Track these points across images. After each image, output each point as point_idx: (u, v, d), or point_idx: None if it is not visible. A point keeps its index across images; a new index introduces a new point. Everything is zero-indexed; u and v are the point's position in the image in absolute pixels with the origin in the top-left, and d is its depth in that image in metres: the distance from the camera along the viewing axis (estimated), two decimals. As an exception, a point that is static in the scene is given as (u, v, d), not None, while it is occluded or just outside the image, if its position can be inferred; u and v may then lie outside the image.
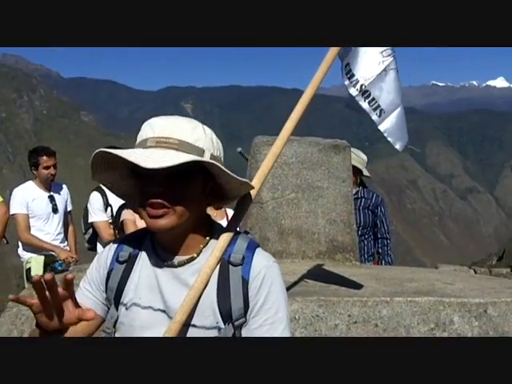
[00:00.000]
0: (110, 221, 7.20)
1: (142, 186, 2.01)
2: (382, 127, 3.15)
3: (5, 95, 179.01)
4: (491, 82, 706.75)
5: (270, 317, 2.04)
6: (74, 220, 8.02)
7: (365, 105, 3.15)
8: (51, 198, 7.50)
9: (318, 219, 5.65)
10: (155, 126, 2.05)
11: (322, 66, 2.71)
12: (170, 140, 2.00)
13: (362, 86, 3.12)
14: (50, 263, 7.34)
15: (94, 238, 7.45)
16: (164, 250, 2.15)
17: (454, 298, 4.13)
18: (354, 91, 3.13)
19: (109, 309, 2.20)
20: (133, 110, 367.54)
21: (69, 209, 7.89)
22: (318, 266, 5.27)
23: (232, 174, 2.02)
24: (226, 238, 2.11)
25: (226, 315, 2.03)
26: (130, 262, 2.19)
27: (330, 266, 5.30)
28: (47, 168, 7.39)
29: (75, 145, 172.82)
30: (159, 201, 1.98)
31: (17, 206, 7.32)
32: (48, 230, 7.49)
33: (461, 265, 16.78)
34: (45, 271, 7.23)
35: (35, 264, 7.28)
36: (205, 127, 2.10)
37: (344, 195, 5.77)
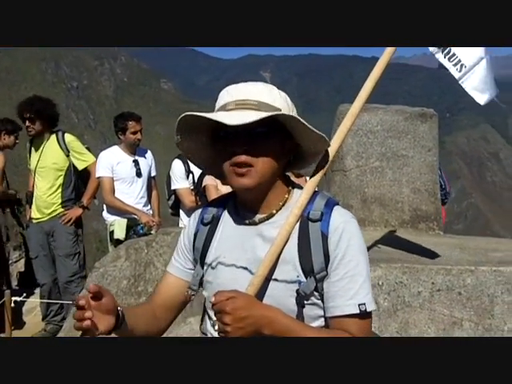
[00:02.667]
0: (192, 187, 7.33)
1: (224, 148, 2.09)
2: (462, 82, 3.10)
3: (86, 62, 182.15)
4: None
5: (351, 269, 2.09)
6: (157, 186, 8.16)
7: (445, 61, 3.09)
8: (136, 162, 7.64)
9: (402, 188, 5.65)
10: (233, 91, 2.15)
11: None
12: (249, 101, 2.09)
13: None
14: (132, 226, 7.52)
15: (177, 205, 7.59)
16: (246, 208, 2.24)
17: (540, 269, 4.10)
18: (433, 49, 3.08)
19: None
20: (212, 79, 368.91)
21: (153, 174, 8.03)
22: (401, 234, 5.29)
23: (310, 126, 2.09)
24: (305, 196, 2.17)
25: (307, 269, 2.10)
26: (213, 224, 2.32)
27: (414, 234, 5.31)
28: (134, 133, 7.54)
29: (155, 112, 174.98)
30: (243, 159, 2.06)
31: (102, 169, 7.49)
32: (131, 193, 7.64)
33: (543, 239, 16.42)
34: (127, 234, 7.43)
35: (118, 227, 7.46)
36: (279, 90, 2.18)
37: (429, 164, 5.74)
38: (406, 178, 5.64)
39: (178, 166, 7.38)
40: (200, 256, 2.32)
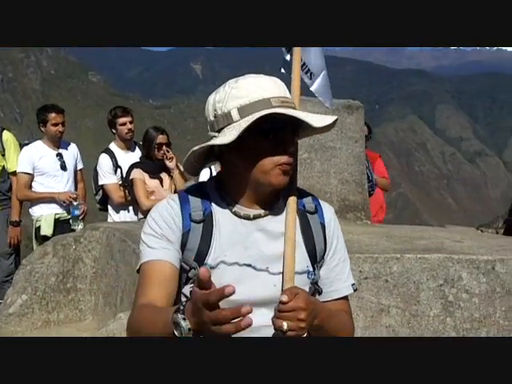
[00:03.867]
0: (120, 182, 7.27)
1: (271, 146, 2.05)
2: (313, 88, 3.24)
3: (12, 55, 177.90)
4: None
5: (342, 255, 2.30)
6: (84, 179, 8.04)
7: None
8: (59, 156, 7.51)
9: (330, 179, 5.73)
10: (264, 85, 2.09)
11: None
12: (289, 100, 2.11)
13: None
14: (59, 221, 7.41)
15: (105, 200, 7.51)
16: (241, 203, 2.18)
17: (463, 255, 4.22)
18: (289, 57, 3.17)
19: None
20: (142, 71, 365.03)
21: (79, 167, 7.91)
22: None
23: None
24: (295, 190, 2.23)
25: (313, 259, 2.21)
26: (207, 221, 2.16)
27: (342, 224, 5.37)
28: (56, 125, 7.41)
29: (83, 105, 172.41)
30: (291, 160, 2.09)
31: (21, 165, 7.39)
32: (57, 187, 7.51)
33: (468, 227, 16.82)
34: (55, 229, 7.33)
35: (45, 222, 7.35)
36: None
37: (356, 155, 5.84)
38: (334, 169, 5.73)
39: (105, 161, 7.31)
40: (195, 258, 2.13)
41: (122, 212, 7.39)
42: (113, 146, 7.44)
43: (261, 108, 2.02)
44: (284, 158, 2.05)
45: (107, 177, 7.28)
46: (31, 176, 7.40)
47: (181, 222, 2.15)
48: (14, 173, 7.43)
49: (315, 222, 2.25)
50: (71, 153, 7.75)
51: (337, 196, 5.72)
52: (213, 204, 2.18)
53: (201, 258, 2.12)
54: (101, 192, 7.47)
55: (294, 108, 2.09)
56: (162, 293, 2.08)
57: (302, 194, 2.27)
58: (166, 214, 2.17)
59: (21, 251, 7.89)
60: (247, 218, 2.16)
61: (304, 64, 3.09)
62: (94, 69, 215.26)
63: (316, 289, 2.22)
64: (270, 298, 2.08)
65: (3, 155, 7.40)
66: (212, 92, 2.19)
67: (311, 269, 2.19)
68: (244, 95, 2.06)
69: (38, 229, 7.42)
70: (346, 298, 2.30)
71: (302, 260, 2.17)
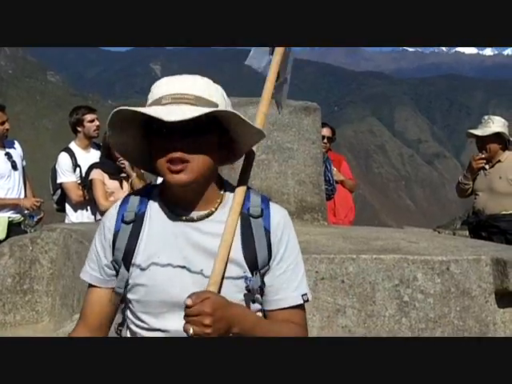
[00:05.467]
0: (79, 182, 7.22)
1: (159, 143, 2.04)
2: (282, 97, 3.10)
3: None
4: (460, 48, 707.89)
5: (292, 262, 2.17)
6: (41, 180, 7.94)
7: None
8: (8, 155, 7.32)
9: (287, 180, 5.73)
10: (169, 84, 2.10)
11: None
12: (186, 95, 2.05)
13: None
14: (14, 224, 7.29)
15: (63, 199, 7.42)
16: (180, 205, 2.17)
17: (418, 256, 4.25)
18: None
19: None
20: (101, 71, 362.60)
21: (24, 164, 7.74)
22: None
23: (249, 121, 2.08)
24: (241, 192, 2.17)
25: (253, 265, 2.11)
26: (137, 222, 2.19)
27: (299, 225, 5.41)
28: (2, 124, 7.20)
29: (42, 105, 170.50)
30: (178, 155, 2.01)
31: None
32: (12, 187, 7.36)
33: (427, 228, 17.05)
34: (8, 233, 7.18)
35: None
36: (216, 85, 2.16)
37: (313, 157, 5.86)
38: (291, 170, 5.73)
39: (64, 160, 7.26)
40: (123, 257, 2.18)
41: (79, 211, 7.32)
42: (73, 145, 7.37)
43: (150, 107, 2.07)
44: (170, 155, 2.02)
45: (66, 175, 7.22)
46: None
47: (113, 225, 2.22)
48: None
49: (258, 226, 2.15)
50: (17, 151, 7.58)
51: (294, 197, 5.73)
52: (150, 205, 2.21)
53: (127, 257, 2.17)
54: (59, 191, 7.38)
55: (192, 104, 2.03)
56: (98, 319, 2.25)
57: (251, 197, 2.20)
58: (107, 220, 2.27)
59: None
60: (190, 219, 2.15)
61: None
62: (53, 69, 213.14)
63: (249, 298, 2.13)
64: None
65: None
66: None
67: (249, 275, 2.11)
68: (152, 95, 2.12)
69: None
70: (297, 307, 2.17)
71: (238, 265, 2.11)
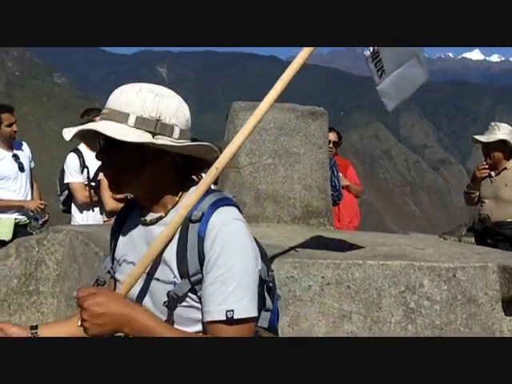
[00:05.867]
0: (86, 183, 7.23)
1: None
2: (378, 88, 3.05)
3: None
4: (467, 55, 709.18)
5: (223, 273, 2.00)
6: (47, 182, 7.98)
7: (371, 66, 3.01)
8: (16, 157, 7.41)
9: (293, 185, 5.73)
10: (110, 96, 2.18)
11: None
12: (105, 110, 2.13)
13: (374, 47, 2.96)
14: (19, 226, 7.30)
15: (69, 200, 7.45)
16: (142, 209, 2.25)
17: (424, 262, 4.23)
18: (367, 52, 2.98)
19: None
20: (107, 73, 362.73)
21: (32, 166, 7.82)
22: (293, 229, 5.37)
23: (179, 143, 2.12)
24: (193, 196, 2.12)
25: (183, 271, 2.06)
26: (120, 223, 2.38)
27: (305, 230, 5.40)
28: (10, 125, 7.28)
29: (48, 107, 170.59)
30: (103, 169, 2.22)
31: None
32: (18, 189, 7.44)
33: (432, 234, 17.01)
34: (15, 234, 7.20)
35: (4, 226, 7.23)
36: (145, 89, 2.12)
37: (320, 161, 5.85)
38: (298, 174, 5.73)
39: (72, 160, 7.29)
40: (111, 250, 2.40)
41: (85, 212, 7.34)
42: (81, 147, 7.39)
43: None
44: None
45: (73, 175, 7.23)
46: None
47: (115, 222, 2.43)
48: None
49: (193, 232, 2.07)
50: (25, 152, 7.65)
51: (300, 202, 5.73)
52: (134, 208, 2.34)
53: (112, 251, 2.39)
54: (66, 192, 7.40)
55: (107, 119, 2.10)
56: None
57: (203, 201, 2.12)
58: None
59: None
60: (145, 223, 2.23)
61: (379, 60, 2.96)
62: (60, 70, 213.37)
63: (169, 304, 2.09)
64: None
65: None
66: (179, 96, 2.21)
67: (178, 281, 2.07)
68: None
69: None
70: (222, 323, 2.02)
71: (170, 270, 2.10)
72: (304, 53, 2.50)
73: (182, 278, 2.07)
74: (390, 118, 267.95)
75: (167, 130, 2.09)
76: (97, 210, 7.27)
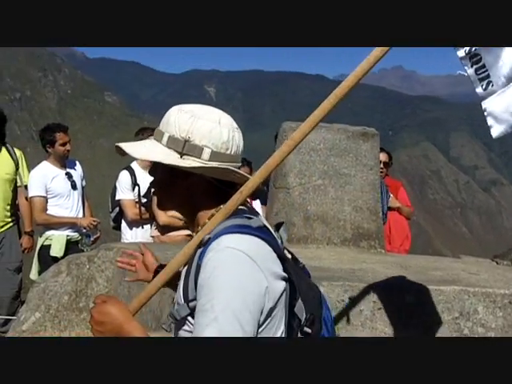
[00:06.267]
0: (137, 200, 7.29)
1: None
2: (484, 103, 2.61)
3: (30, 74, 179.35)
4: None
5: (205, 304, 1.89)
6: (97, 199, 8.07)
7: (470, 71, 2.62)
8: (69, 175, 7.54)
9: (344, 206, 5.68)
10: None
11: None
12: (156, 129, 2.18)
13: (471, 47, 2.58)
14: (71, 243, 7.40)
15: (120, 217, 7.53)
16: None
17: (479, 288, 4.15)
18: (460, 52, 2.61)
19: None
20: (156, 92, 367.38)
21: (83, 184, 7.94)
22: (343, 252, 5.31)
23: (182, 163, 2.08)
24: (212, 219, 2.08)
25: (185, 295, 2.02)
26: None
27: (356, 252, 5.34)
28: (64, 144, 7.42)
29: (99, 125, 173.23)
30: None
31: (35, 189, 7.34)
32: (70, 207, 7.55)
33: (482, 257, 16.72)
34: (66, 251, 7.28)
35: (57, 243, 7.32)
36: (186, 109, 2.12)
37: (371, 183, 5.79)
38: (348, 196, 5.69)
39: (124, 177, 7.38)
40: None
41: (134, 229, 7.43)
42: (134, 164, 7.46)
43: None
44: None
45: (125, 192, 7.31)
46: (45, 199, 7.39)
47: None
48: (26, 186, 7.41)
49: (196, 257, 2.01)
50: (78, 171, 7.80)
51: (350, 224, 5.67)
52: None
53: None
54: (117, 209, 7.49)
55: (153, 137, 2.18)
56: None
57: (220, 225, 2.04)
58: None
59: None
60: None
61: (482, 66, 2.58)
62: (110, 89, 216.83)
63: (179, 326, 2.06)
64: None
65: (17, 169, 7.40)
66: (226, 115, 2.19)
67: (182, 302, 2.02)
68: None
69: (46, 247, 7.39)
70: None
71: (180, 291, 2.08)
72: (377, 52, 2.27)
73: (184, 301, 2.03)
74: (440, 138, 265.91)
75: (196, 150, 2.08)
76: (146, 227, 7.33)
